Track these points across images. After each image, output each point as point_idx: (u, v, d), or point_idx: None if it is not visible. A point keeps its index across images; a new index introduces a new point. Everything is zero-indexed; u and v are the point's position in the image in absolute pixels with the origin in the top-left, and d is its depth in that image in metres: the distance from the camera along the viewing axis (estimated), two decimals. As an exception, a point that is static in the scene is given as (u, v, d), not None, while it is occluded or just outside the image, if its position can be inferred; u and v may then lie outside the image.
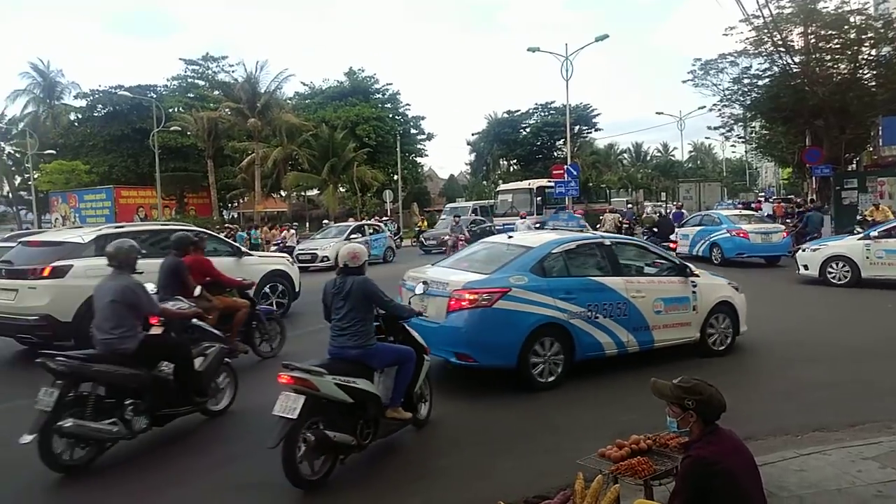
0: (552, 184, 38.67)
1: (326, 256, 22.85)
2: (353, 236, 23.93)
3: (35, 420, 4.93)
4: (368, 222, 29.57)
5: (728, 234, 19.33)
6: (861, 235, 14.74)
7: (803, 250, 15.58)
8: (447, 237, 25.44)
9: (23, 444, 4.87)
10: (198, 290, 7.77)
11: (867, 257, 14.06)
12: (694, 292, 8.41)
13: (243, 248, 12.80)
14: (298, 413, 4.68)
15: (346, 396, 5.00)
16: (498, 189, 42.32)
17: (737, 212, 23.31)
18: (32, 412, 5.02)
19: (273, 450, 4.64)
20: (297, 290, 12.68)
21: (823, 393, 7.03)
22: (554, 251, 7.80)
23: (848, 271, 14.29)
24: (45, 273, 9.15)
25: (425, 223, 39.91)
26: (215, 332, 6.85)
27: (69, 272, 9.19)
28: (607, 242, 8.38)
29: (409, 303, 7.09)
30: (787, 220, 23.92)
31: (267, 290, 12.00)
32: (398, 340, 5.85)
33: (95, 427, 5.16)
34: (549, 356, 7.26)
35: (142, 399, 5.53)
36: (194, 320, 6.56)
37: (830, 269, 14.52)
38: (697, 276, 8.62)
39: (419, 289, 6.82)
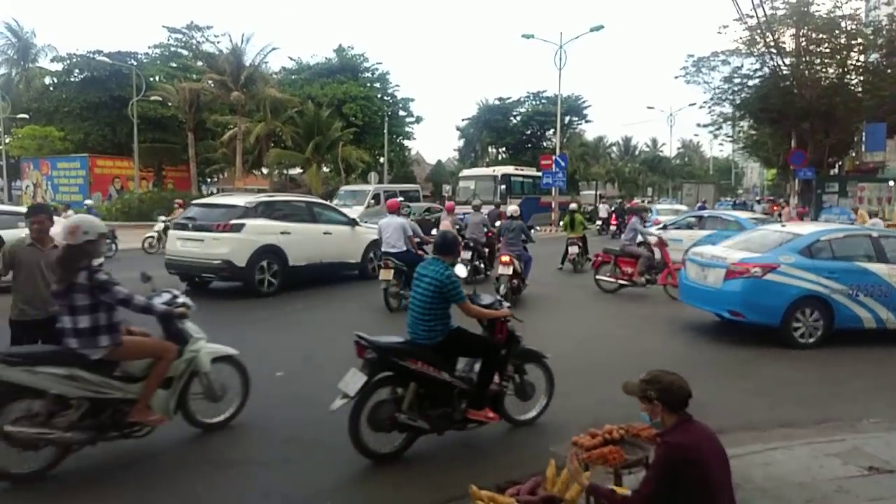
0: (519, 172, 37.55)
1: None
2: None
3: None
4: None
5: None
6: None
7: None
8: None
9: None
10: None
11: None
12: None
13: (356, 219, 15.38)
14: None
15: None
16: (460, 174, 40.99)
17: (749, 214, 21.44)
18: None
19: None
20: None
21: (792, 390, 7.17)
22: (822, 238, 9.45)
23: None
24: (226, 228, 12.15)
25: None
26: None
27: (243, 229, 12.24)
28: (875, 235, 9.83)
29: (691, 272, 10.03)
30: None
31: (372, 255, 14.40)
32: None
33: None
34: (809, 322, 8.99)
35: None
36: None
37: None
38: None
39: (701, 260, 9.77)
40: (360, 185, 32.13)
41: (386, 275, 11.13)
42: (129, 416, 4.93)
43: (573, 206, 19.32)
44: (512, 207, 14.40)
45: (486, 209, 17.68)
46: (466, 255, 13.88)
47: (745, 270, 9.04)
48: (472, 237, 14.82)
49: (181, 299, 5.55)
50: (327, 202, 16.23)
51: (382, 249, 11.68)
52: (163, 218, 22.13)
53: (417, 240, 12.06)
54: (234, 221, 12.25)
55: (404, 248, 11.53)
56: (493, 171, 36.61)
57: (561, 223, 24.34)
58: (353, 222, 14.77)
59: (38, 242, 5.61)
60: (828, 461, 5.03)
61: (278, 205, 13.56)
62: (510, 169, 37.53)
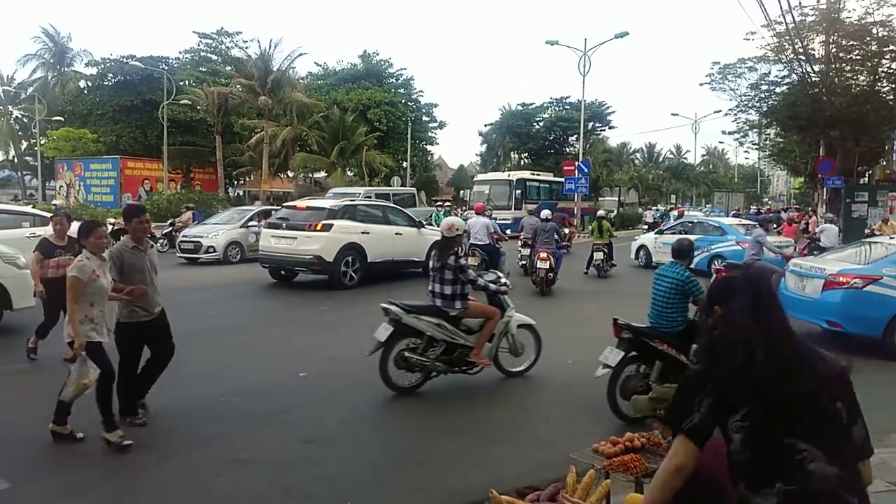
0: (535, 177, 37.00)
1: (212, 247, 18.81)
2: (251, 224, 19.52)
3: None
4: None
5: (738, 246, 16.73)
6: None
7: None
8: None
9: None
10: None
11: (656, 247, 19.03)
12: None
13: (422, 222, 16.99)
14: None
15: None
16: (475, 179, 40.68)
17: (735, 220, 21.16)
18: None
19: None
20: None
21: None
22: None
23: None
24: (318, 227, 13.91)
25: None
26: None
27: (332, 228, 13.95)
28: None
29: (790, 282, 10.08)
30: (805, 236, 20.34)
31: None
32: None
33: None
34: None
35: None
36: None
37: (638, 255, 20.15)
38: None
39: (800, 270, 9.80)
40: (350, 188, 30.30)
41: (473, 261, 13.84)
42: (468, 357, 6.86)
43: (601, 212, 20.08)
44: (545, 212, 15.93)
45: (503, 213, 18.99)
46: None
47: (844, 282, 9.05)
48: (476, 242, 15.32)
49: (503, 279, 7.48)
50: (399, 207, 17.94)
51: (470, 242, 14.59)
52: (170, 221, 22.85)
53: (497, 236, 15.71)
54: (324, 222, 14.04)
55: (487, 242, 15.16)
56: (509, 175, 36.12)
57: (589, 228, 24.37)
58: (419, 225, 16.38)
59: (139, 243, 5.74)
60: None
61: (359, 208, 15.60)
62: (526, 174, 37.10)
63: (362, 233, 14.59)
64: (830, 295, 9.18)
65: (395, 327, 6.66)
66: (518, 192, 32.66)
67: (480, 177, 40.18)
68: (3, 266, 8.96)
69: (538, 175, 38.42)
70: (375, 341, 6.66)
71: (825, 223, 18.50)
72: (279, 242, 14.43)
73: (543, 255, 13.94)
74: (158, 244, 20.97)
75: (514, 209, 30.62)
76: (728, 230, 18.35)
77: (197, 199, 32.98)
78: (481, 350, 6.92)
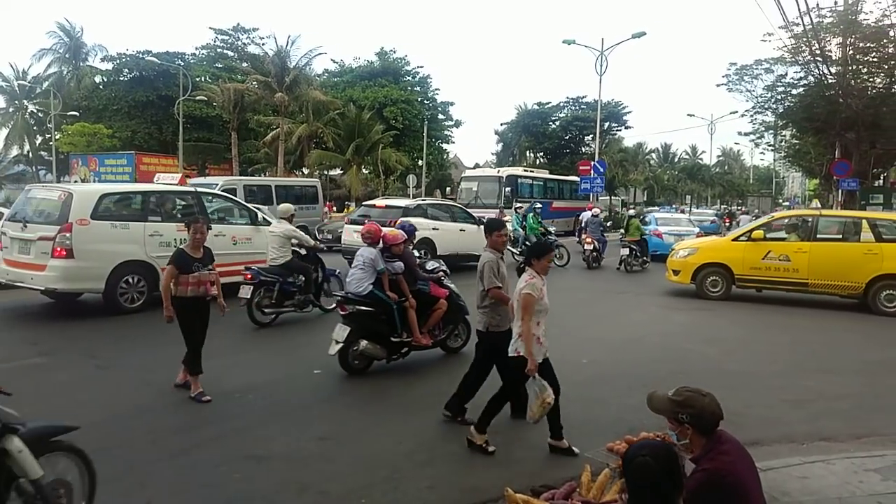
0: (528, 174, 35.39)
1: None
2: None
3: None
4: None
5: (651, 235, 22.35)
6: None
7: None
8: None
9: None
10: None
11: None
12: None
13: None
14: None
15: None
16: (462, 175, 38.36)
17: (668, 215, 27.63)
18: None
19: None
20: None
21: (833, 403, 7.06)
22: None
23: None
24: (394, 224, 13.98)
25: None
26: None
27: None
28: None
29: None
30: None
31: None
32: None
33: None
34: None
35: None
36: None
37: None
38: None
39: None
40: (208, 179, 27.60)
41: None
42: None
43: (632, 211, 23.70)
44: (595, 209, 21.57)
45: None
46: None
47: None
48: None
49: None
50: (462, 206, 19.84)
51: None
52: None
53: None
54: (401, 219, 14.07)
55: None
56: (498, 171, 34.21)
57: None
58: (479, 222, 17.32)
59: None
60: (867, 476, 4.96)
61: (430, 207, 17.62)
62: (518, 170, 35.44)
63: (433, 229, 16.36)
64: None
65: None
66: (508, 189, 30.82)
67: (468, 173, 38.20)
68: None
69: (531, 172, 37.14)
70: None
71: (742, 215, 27.36)
72: (360, 237, 15.01)
73: (588, 239, 19.63)
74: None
75: (504, 208, 28.59)
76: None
77: None
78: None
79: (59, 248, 9.89)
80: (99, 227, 10.24)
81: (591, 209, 22.01)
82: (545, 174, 38.84)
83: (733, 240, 14.43)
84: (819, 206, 23.72)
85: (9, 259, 10.57)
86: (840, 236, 13.66)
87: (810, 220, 13.94)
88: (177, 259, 6.54)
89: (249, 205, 13.93)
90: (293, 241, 10.53)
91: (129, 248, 10.54)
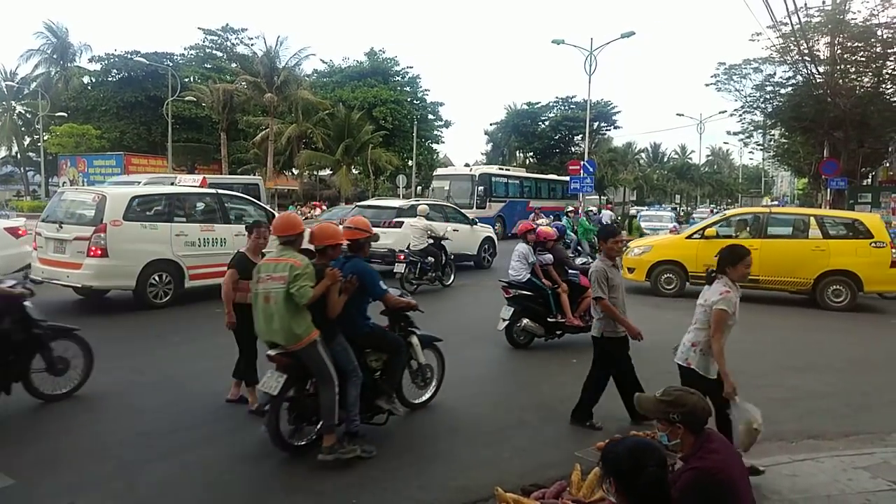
0: (502, 172, 34.38)
1: None
2: None
3: None
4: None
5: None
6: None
7: None
8: None
9: None
10: None
11: None
12: None
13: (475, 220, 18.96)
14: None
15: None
16: (434, 173, 37.60)
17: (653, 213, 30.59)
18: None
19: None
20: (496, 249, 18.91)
21: (820, 402, 7.11)
22: None
23: None
24: (391, 224, 15.40)
25: None
26: None
27: (403, 224, 15.35)
28: None
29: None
30: None
31: (485, 248, 18.39)
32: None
33: None
34: None
35: None
36: None
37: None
38: None
39: None
40: (132, 176, 25.60)
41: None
42: None
43: (633, 211, 23.14)
44: (607, 213, 21.49)
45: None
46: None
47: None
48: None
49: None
50: (455, 206, 20.07)
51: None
52: None
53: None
54: (396, 219, 15.70)
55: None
56: (471, 170, 33.48)
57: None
58: (472, 222, 18.22)
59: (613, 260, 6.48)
60: (856, 474, 5.00)
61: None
62: (492, 168, 34.84)
63: None
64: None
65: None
66: (481, 188, 30.05)
67: (440, 171, 36.81)
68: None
69: (506, 170, 36.11)
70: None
71: (604, 211, 27.14)
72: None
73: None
74: None
75: (478, 207, 27.94)
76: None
77: None
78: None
79: (94, 248, 10.30)
80: (130, 228, 10.65)
81: (608, 209, 22.37)
82: (522, 172, 38.28)
83: (687, 237, 14.59)
84: (768, 203, 24.72)
85: (44, 258, 10.93)
86: (789, 233, 13.93)
87: (761, 217, 14.13)
88: (238, 263, 6.19)
89: (265, 206, 14.85)
90: (429, 232, 14.08)
91: (157, 248, 10.96)
